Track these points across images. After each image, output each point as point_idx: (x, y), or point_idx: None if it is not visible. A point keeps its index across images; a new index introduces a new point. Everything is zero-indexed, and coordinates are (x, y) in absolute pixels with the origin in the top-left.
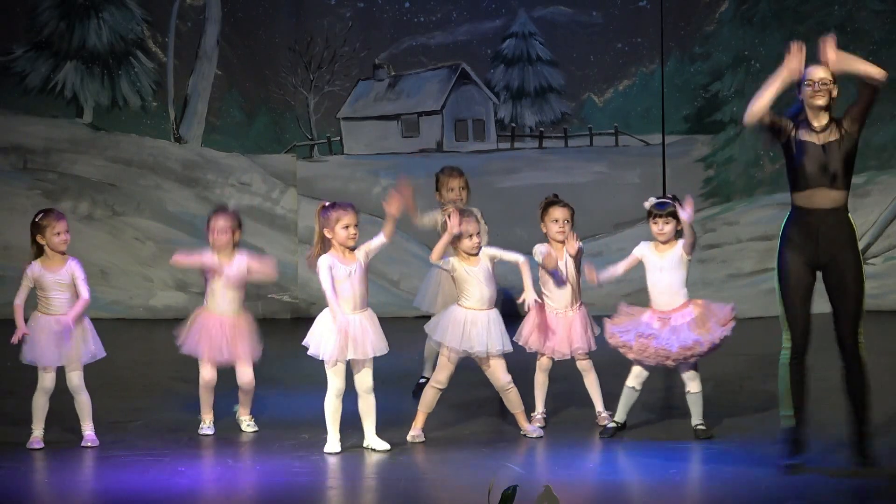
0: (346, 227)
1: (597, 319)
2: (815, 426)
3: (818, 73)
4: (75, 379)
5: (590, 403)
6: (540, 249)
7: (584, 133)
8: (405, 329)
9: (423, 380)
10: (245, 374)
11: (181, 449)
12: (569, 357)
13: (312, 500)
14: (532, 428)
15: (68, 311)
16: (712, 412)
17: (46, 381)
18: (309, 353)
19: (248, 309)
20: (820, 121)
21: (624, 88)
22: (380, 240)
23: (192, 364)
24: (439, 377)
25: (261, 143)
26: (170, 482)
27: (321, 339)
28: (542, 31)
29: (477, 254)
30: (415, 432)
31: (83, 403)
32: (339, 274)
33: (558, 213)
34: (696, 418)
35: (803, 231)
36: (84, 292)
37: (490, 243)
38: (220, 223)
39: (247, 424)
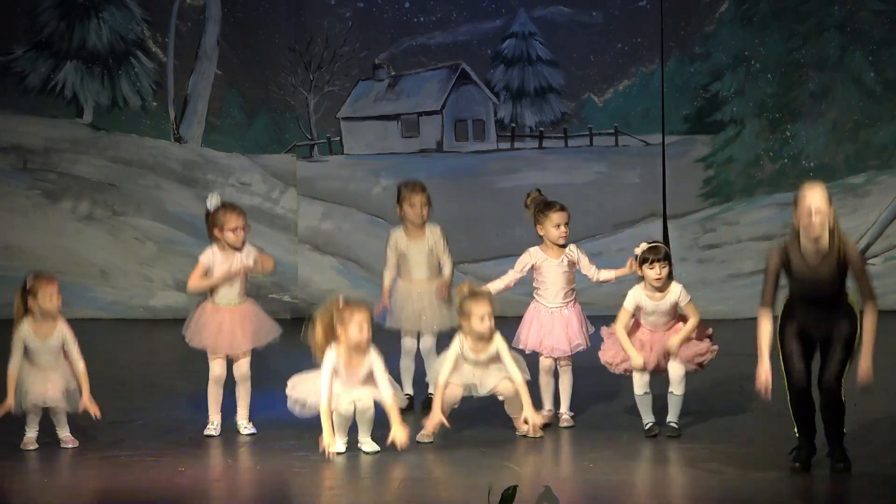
0: (360, 327)
1: (598, 319)
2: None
3: (814, 198)
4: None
5: (588, 404)
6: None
7: (584, 133)
8: None
9: (406, 395)
10: (242, 365)
11: (181, 449)
12: (569, 354)
13: (312, 500)
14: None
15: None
16: (712, 412)
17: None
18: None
19: (251, 298)
20: (818, 247)
21: (624, 88)
22: (384, 397)
23: (193, 364)
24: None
25: (261, 143)
26: (170, 482)
27: (309, 393)
28: (542, 31)
29: (490, 339)
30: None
31: (60, 414)
32: (340, 374)
33: (559, 217)
34: (672, 416)
35: (804, 314)
36: (78, 358)
37: (489, 244)
38: (242, 221)
39: (244, 427)
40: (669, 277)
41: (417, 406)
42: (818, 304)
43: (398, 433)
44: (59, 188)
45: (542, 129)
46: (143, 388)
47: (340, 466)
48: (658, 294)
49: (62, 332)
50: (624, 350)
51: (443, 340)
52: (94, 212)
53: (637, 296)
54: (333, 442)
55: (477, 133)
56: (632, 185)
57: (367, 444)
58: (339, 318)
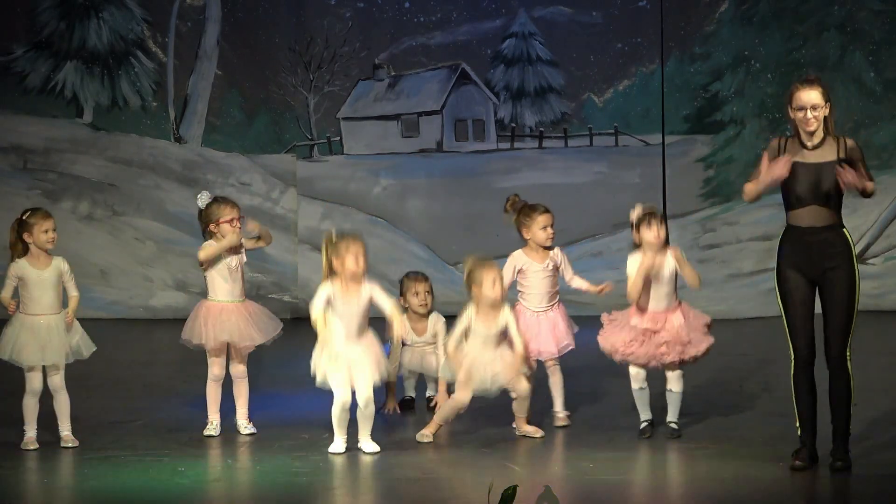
0: (357, 259)
1: (595, 320)
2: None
3: (810, 97)
4: (57, 379)
5: (586, 405)
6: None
7: (584, 133)
8: None
9: (408, 397)
10: (240, 363)
11: (181, 449)
12: (556, 356)
13: (312, 500)
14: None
15: (53, 311)
16: (712, 412)
17: (34, 382)
18: (317, 383)
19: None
20: (813, 140)
21: (624, 88)
22: (386, 307)
23: (192, 364)
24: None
25: (261, 143)
26: (170, 482)
27: (322, 371)
28: (542, 31)
29: (500, 307)
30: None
31: (62, 403)
32: (338, 306)
33: (546, 219)
34: (672, 416)
35: (798, 247)
36: (73, 290)
37: (489, 244)
38: (237, 212)
39: (244, 427)
40: (666, 243)
41: (417, 407)
42: (815, 230)
43: (397, 327)
44: (59, 188)
45: (542, 129)
46: (143, 388)
47: (340, 466)
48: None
49: (60, 265)
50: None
51: None
52: (94, 212)
53: (637, 261)
54: (329, 337)
55: (477, 133)
56: (632, 185)
57: (367, 444)
58: (335, 252)
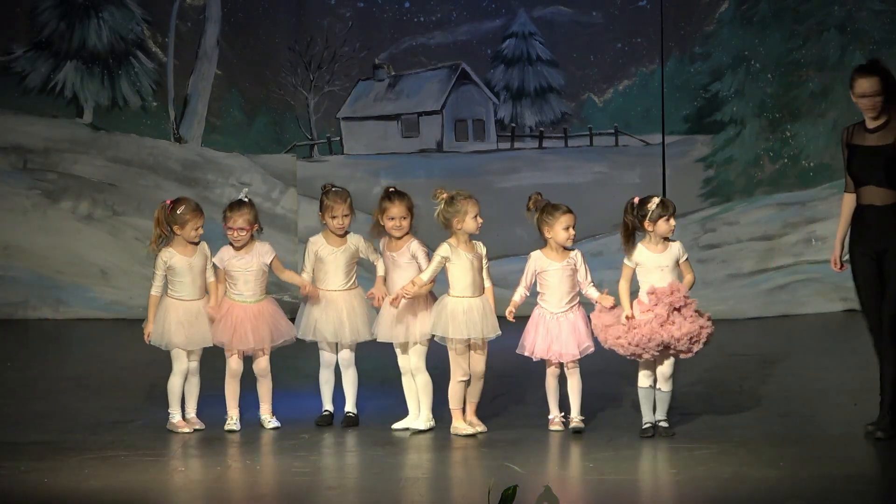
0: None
1: None
2: (815, 425)
3: (863, 86)
4: (194, 364)
5: (587, 405)
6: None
7: (584, 133)
8: None
9: (325, 412)
10: (261, 361)
11: (181, 449)
12: (578, 358)
13: (312, 500)
14: (464, 426)
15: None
16: (712, 412)
17: (182, 363)
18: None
19: (270, 297)
20: (875, 122)
21: (624, 88)
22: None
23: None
24: (458, 372)
25: (261, 143)
26: (170, 482)
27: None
28: (542, 31)
29: (476, 233)
30: (456, 424)
31: (194, 385)
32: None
33: (569, 219)
34: (661, 415)
35: (862, 225)
36: (210, 278)
37: (489, 244)
38: (240, 221)
39: (268, 422)
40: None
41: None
42: (873, 209)
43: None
44: (59, 188)
45: (542, 129)
46: (143, 388)
47: (340, 466)
48: (660, 247)
49: (205, 251)
50: (621, 304)
51: (361, 352)
52: (94, 212)
53: (637, 252)
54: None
55: (477, 133)
56: (632, 185)
57: (417, 421)
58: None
